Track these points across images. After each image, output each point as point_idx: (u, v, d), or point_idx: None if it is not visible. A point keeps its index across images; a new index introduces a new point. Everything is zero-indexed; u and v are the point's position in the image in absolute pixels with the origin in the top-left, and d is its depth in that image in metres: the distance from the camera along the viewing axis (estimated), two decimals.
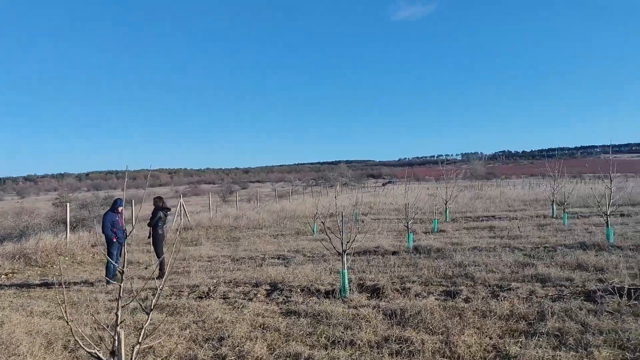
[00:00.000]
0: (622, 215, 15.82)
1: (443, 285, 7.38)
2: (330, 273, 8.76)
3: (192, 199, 56.79)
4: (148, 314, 3.38)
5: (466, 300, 6.37)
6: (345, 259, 7.21)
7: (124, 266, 3.31)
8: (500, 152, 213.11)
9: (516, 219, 16.67)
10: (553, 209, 17.64)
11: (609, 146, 15.48)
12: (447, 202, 18.66)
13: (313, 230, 15.73)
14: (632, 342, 4.47)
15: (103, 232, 9.76)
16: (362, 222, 18.88)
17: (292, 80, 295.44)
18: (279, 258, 11.25)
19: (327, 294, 7.18)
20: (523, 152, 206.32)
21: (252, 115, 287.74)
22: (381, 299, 6.72)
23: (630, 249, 9.21)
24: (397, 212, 21.99)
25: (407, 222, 11.80)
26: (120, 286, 3.22)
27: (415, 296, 6.72)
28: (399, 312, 5.83)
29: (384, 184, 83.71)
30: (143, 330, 3.36)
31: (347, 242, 7.28)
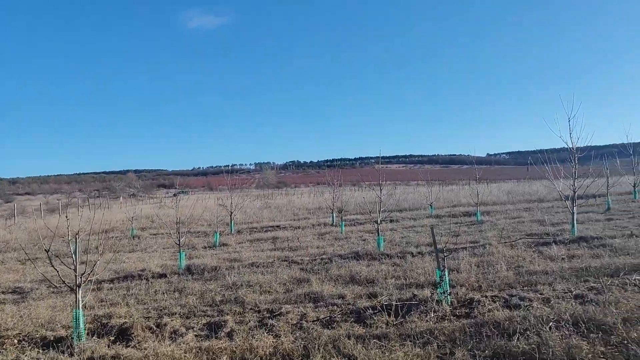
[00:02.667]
0: (391, 220, 17.00)
1: (208, 316, 6.27)
2: None
3: None
4: None
5: (229, 334, 5.32)
6: (80, 294, 5.56)
7: None
8: (290, 162, 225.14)
9: (300, 228, 16.68)
10: (333, 217, 18.22)
11: (380, 157, 16.49)
12: (232, 212, 17.74)
13: (75, 252, 13.08)
14: None
15: None
16: (139, 238, 16.79)
17: (81, 85, 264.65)
18: (14, 292, 8.90)
19: (57, 343, 5.39)
20: (311, 162, 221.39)
21: (19, 117, 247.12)
22: (127, 344, 5.28)
23: (397, 257, 9.46)
24: (182, 225, 20.28)
25: (179, 239, 10.40)
26: None
27: (172, 334, 5.44)
28: None
29: (175, 195, 79.55)
30: None
31: (84, 273, 5.65)
